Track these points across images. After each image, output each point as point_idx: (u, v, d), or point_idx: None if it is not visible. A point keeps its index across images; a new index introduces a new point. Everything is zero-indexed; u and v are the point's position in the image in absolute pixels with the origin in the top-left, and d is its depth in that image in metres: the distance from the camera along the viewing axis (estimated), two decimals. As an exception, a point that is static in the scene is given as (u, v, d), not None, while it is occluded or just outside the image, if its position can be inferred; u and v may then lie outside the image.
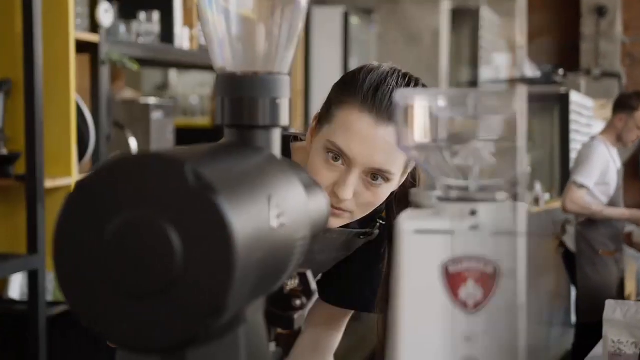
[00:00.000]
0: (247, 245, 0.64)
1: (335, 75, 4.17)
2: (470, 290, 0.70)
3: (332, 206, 1.27)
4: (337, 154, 1.26)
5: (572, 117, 7.01)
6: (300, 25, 0.87)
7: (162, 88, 5.66)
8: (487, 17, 7.42)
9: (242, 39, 0.84)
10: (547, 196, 6.52)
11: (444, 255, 0.71)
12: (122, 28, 3.00)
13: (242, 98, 0.82)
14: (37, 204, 2.33)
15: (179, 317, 0.63)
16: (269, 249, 0.69)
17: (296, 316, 0.89)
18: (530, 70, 5.61)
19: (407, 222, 0.71)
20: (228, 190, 0.64)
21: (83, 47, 2.65)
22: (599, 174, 4.38)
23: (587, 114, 7.69)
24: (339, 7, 5.85)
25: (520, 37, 5.50)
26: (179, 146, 0.73)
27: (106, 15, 2.66)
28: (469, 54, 7.25)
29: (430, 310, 0.70)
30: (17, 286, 2.59)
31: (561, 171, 7.18)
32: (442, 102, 0.73)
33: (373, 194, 1.27)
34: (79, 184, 0.65)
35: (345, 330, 1.58)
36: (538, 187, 6.42)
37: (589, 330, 4.30)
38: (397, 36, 5.54)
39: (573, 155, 7.16)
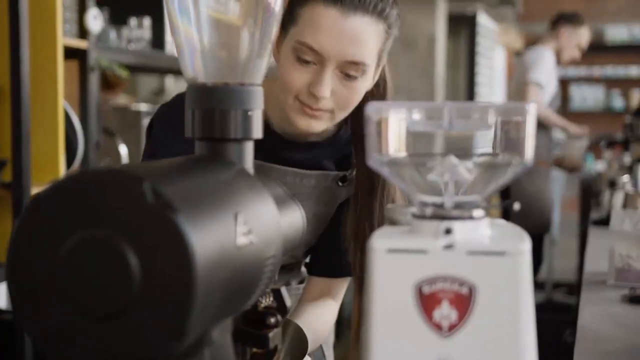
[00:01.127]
0: (209, 265, 0.61)
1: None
2: (444, 312, 0.67)
3: (311, 107, 1.25)
4: (307, 54, 1.23)
5: (478, 39, 7.10)
6: (274, 33, 0.84)
7: (158, 93, 5.63)
8: (484, 23, 7.42)
9: (213, 49, 0.81)
10: None
11: (417, 275, 0.68)
12: (113, 34, 2.97)
13: (213, 110, 0.80)
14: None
15: (137, 340, 0.60)
16: (235, 268, 0.67)
17: (271, 335, 0.86)
18: None
19: (379, 241, 0.69)
20: (189, 208, 0.61)
21: (72, 53, 2.62)
22: (548, 75, 4.49)
23: (491, 38, 7.79)
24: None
25: None
26: (149, 161, 0.71)
27: (95, 21, 2.64)
28: (465, 58, 7.26)
29: (403, 332, 0.68)
30: (3, 294, 2.57)
31: (467, 94, 7.25)
32: (416, 116, 0.71)
33: (350, 90, 1.25)
34: (36, 199, 0.62)
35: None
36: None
37: None
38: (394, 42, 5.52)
39: (478, 79, 7.28)
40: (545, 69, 4.43)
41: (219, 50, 0.81)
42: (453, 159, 0.71)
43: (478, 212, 0.70)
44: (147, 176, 0.61)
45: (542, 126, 4.50)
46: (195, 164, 0.74)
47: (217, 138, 0.80)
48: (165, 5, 0.82)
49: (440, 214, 0.70)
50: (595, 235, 2.80)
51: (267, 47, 0.84)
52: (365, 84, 1.28)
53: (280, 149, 1.37)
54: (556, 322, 4.73)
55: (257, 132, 0.82)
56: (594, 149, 9.82)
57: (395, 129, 0.71)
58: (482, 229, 0.70)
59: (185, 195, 0.62)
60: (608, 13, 9.98)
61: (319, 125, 1.28)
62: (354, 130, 1.37)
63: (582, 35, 4.54)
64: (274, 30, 0.83)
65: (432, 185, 0.71)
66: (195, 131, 0.81)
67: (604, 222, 2.92)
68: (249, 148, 0.82)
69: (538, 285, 5.55)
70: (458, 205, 0.71)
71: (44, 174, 2.47)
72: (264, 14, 0.83)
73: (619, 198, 2.99)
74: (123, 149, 2.94)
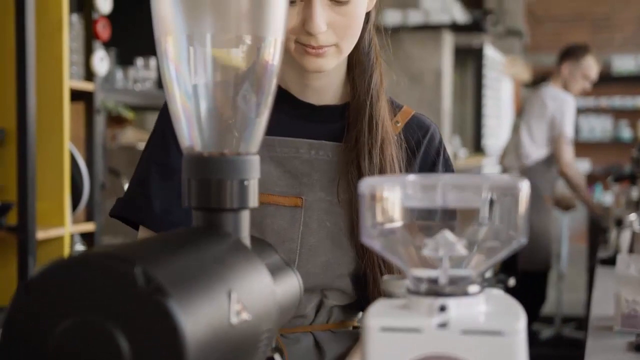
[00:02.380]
0: (201, 348, 0.61)
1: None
2: (439, 391, 0.67)
3: (313, 47, 1.19)
4: None
5: (485, 71, 7.11)
6: (270, 102, 0.84)
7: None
8: (491, 55, 7.44)
9: (210, 118, 0.81)
10: (464, 152, 6.53)
11: (412, 354, 0.67)
12: (119, 74, 2.99)
13: (209, 180, 0.80)
14: (28, 256, 2.31)
15: None
16: (229, 347, 0.66)
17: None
18: (460, 15, 5.62)
19: (373, 319, 0.68)
20: (181, 291, 0.61)
21: (78, 95, 2.64)
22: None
23: (498, 69, 7.81)
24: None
25: None
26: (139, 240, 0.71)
27: (102, 63, 2.65)
28: (472, 90, 7.28)
29: (398, 411, 0.67)
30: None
31: (474, 126, 7.24)
32: (410, 191, 0.71)
33: (346, 16, 1.19)
34: (27, 283, 0.62)
35: None
36: (457, 141, 6.43)
37: (529, 277, 4.32)
38: (400, 76, 5.53)
39: (485, 111, 7.29)
40: (572, 119, 4.48)
41: (216, 120, 0.81)
42: (448, 235, 0.70)
43: (473, 288, 0.70)
44: (138, 259, 0.61)
45: (549, 161, 4.48)
46: (190, 238, 0.74)
47: (213, 208, 0.80)
48: (161, 73, 0.82)
49: (434, 290, 0.69)
50: (602, 276, 2.78)
51: (263, 117, 0.84)
52: (362, 4, 1.21)
53: (295, 118, 1.30)
54: (565, 357, 4.69)
55: (254, 201, 0.82)
56: (602, 179, 9.81)
57: (388, 204, 0.71)
58: (477, 306, 0.69)
59: (178, 277, 0.62)
60: (615, 44, 10.01)
61: (328, 62, 1.21)
62: (349, 59, 1.30)
63: (587, 67, 4.54)
64: (270, 99, 0.83)
65: (426, 258, 0.71)
66: (192, 200, 0.81)
67: (612, 261, 2.90)
68: (245, 217, 0.81)
69: (547, 320, 5.51)
70: (453, 281, 0.70)
71: (49, 217, 2.48)
72: (260, 86, 0.83)
73: (626, 237, 2.97)
74: (129, 189, 2.94)
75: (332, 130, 1.29)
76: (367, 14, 1.27)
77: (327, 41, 1.19)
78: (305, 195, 1.24)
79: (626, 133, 9.96)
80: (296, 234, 1.23)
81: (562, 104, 4.52)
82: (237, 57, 0.81)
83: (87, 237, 2.73)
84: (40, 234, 2.42)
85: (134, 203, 1.27)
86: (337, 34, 1.19)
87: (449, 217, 0.72)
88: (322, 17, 1.17)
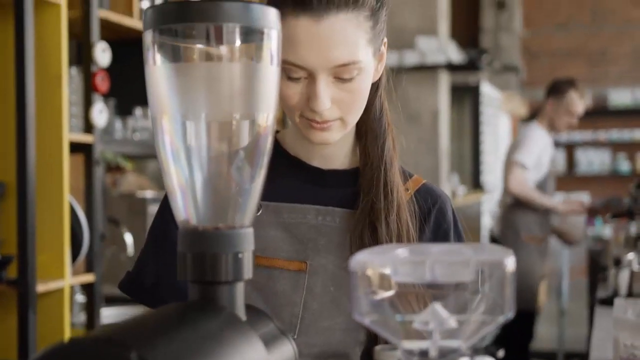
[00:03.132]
0: None
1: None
2: None
3: (317, 122, 1.18)
4: (294, 71, 1.15)
5: (482, 108, 7.14)
6: (262, 175, 0.86)
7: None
8: (487, 92, 7.50)
9: (204, 193, 0.83)
10: (463, 189, 6.54)
11: None
12: (119, 124, 3.02)
13: (204, 254, 0.82)
14: (28, 309, 2.32)
15: None
16: None
17: None
18: (456, 55, 5.65)
19: (365, 393, 0.70)
20: (177, 373, 0.63)
21: (77, 147, 2.66)
22: (536, 157, 4.46)
23: (495, 106, 7.84)
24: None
25: (442, 21, 5.53)
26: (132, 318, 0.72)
27: (100, 115, 2.68)
28: (470, 127, 7.32)
29: None
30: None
31: (472, 163, 7.24)
32: (399, 266, 0.72)
33: (351, 92, 1.17)
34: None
35: None
36: (455, 179, 6.44)
37: (516, 316, 4.28)
38: (397, 116, 5.58)
39: (483, 147, 7.30)
40: (532, 150, 4.45)
41: (210, 194, 0.83)
42: (438, 308, 0.72)
43: (463, 360, 0.71)
44: (134, 343, 0.62)
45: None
46: (185, 313, 0.76)
47: (208, 281, 0.81)
48: (156, 149, 0.84)
49: (425, 364, 0.71)
50: (601, 316, 2.78)
51: (258, 184, 0.86)
52: (367, 79, 1.20)
53: (304, 183, 1.30)
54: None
55: (248, 272, 0.83)
56: (602, 213, 9.82)
57: (378, 280, 0.73)
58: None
59: (173, 358, 0.64)
60: (611, 77, 10.09)
61: (333, 136, 1.21)
62: (358, 125, 1.29)
63: (570, 102, 4.52)
64: (262, 172, 0.85)
65: (417, 329, 0.73)
66: (187, 274, 0.82)
67: (610, 301, 2.90)
68: (239, 289, 0.83)
69: (549, 357, 5.49)
70: (443, 353, 0.72)
71: (49, 270, 2.49)
72: (253, 153, 0.85)
73: (624, 277, 2.97)
74: (128, 238, 2.96)
75: (340, 195, 1.29)
76: (375, 84, 1.27)
77: (331, 116, 1.18)
78: (310, 260, 1.24)
79: (624, 166, 10.00)
80: (299, 298, 1.22)
81: (527, 133, 4.55)
82: (231, 133, 0.83)
83: (87, 288, 2.74)
84: (40, 287, 2.43)
85: (134, 281, 1.30)
86: (341, 109, 1.19)
87: (439, 291, 0.73)
88: (326, 94, 1.16)
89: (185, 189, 0.83)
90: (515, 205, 4.51)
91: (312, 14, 1.12)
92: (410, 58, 5.32)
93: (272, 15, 0.82)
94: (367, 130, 1.29)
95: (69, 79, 2.60)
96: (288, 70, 1.16)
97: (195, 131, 0.82)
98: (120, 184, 3.55)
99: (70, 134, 2.58)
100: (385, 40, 1.24)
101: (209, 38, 0.81)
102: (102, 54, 2.70)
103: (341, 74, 1.16)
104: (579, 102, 4.59)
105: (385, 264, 0.73)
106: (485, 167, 7.46)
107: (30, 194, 2.40)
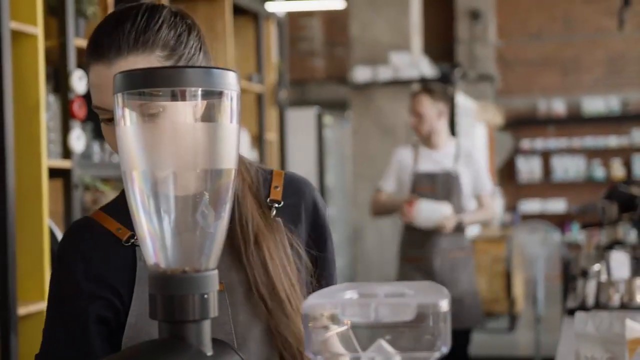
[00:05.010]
0: None
1: (312, 174, 4.26)
2: None
3: None
4: (105, 114, 1.22)
5: (457, 119, 7.23)
6: (226, 220, 0.94)
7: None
8: (462, 102, 7.61)
9: (172, 239, 0.91)
10: None
11: None
12: (96, 147, 3.09)
13: (172, 296, 0.89)
14: (10, 332, 2.38)
15: None
16: None
17: None
18: (429, 70, 5.68)
19: None
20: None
21: (56, 172, 2.73)
22: (395, 178, 4.20)
23: (471, 115, 7.95)
24: (314, 107, 6.05)
25: (415, 36, 5.59)
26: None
27: (78, 141, 2.75)
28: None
29: None
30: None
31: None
32: (348, 309, 0.81)
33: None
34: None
35: None
36: None
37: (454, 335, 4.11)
38: (372, 130, 5.68)
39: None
40: (391, 173, 4.26)
41: (177, 240, 0.91)
42: (383, 344, 0.80)
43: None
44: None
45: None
46: (154, 352, 0.84)
47: (176, 320, 0.89)
48: (127, 200, 0.92)
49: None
50: (568, 327, 2.87)
51: (222, 229, 0.94)
52: (176, 117, 1.19)
53: None
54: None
55: (214, 311, 0.91)
56: (578, 218, 9.97)
57: (329, 321, 0.81)
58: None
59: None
60: (585, 85, 10.26)
61: None
62: None
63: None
64: (225, 218, 0.93)
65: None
66: (157, 314, 0.90)
67: (578, 311, 2.98)
68: (206, 326, 0.91)
69: (526, 364, 5.60)
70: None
71: (30, 294, 2.55)
72: (217, 202, 0.93)
73: (591, 288, 3.06)
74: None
75: None
76: None
77: None
78: (223, 279, 1.26)
79: (599, 172, 10.16)
80: (227, 317, 1.26)
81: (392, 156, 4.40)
82: (196, 184, 0.91)
83: (67, 309, 2.80)
84: (22, 310, 2.49)
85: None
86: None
87: (384, 329, 0.82)
88: None
89: (154, 236, 0.91)
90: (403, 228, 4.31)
91: (105, 61, 1.19)
92: (384, 73, 5.42)
93: (231, 78, 0.90)
94: None
95: (46, 106, 2.67)
96: (99, 113, 1.24)
97: (163, 183, 0.90)
98: (101, 203, 3.61)
99: (48, 159, 2.64)
100: None
101: (173, 100, 0.89)
102: (79, 82, 2.77)
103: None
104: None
105: (335, 306, 0.81)
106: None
107: (10, 219, 2.46)
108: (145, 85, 0.88)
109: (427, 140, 4.14)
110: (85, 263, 1.27)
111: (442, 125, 4.11)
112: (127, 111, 0.89)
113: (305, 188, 1.38)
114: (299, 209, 1.35)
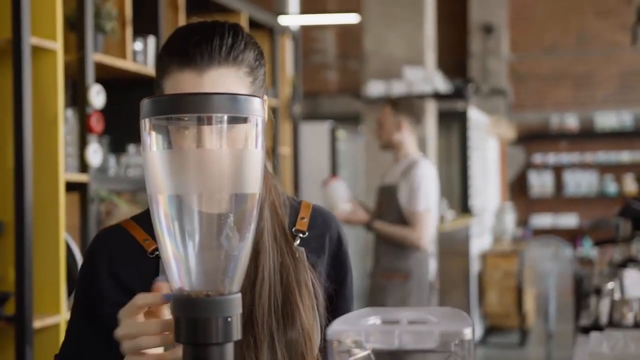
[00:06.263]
0: None
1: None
2: None
3: None
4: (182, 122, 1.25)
5: (469, 133, 7.23)
6: (249, 244, 0.95)
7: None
8: (475, 117, 7.62)
9: (196, 264, 0.92)
10: (451, 213, 6.62)
11: None
12: (112, 161, 3.11)
13: (196, 319, 0.90)
14: (25, 345, 2.39)
15: None
16: None
17: None
18: (442, 85, 5.69)
19: None
20: None
21: (73, 186, 2.75)
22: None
23: (483, 130, 7.95)
24: (327, 121, 6.05)
25: (429, 51, 5.59)
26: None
27: (95, 155, 2.77)
28: (458, 152, 7.43)
29: None
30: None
31: (461, 188, 7.33)
32: (371, 336, 0.81)
33: (233, 142, 1.14)
34: None
35: None
36: (444, 204, 6.53)
37: None
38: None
39: (472, 171, 7.38)
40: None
41: (202, 265, 0.92)
42: (405, 370, 0.81)
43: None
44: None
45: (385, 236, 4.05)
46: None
47: (200, 343, 0.90)
48: (152, 224, 0.93)
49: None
50: (582, 345, 2.86)
51: (246, 252, 0.95)
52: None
53: None
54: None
55: (237, 334, 0.92)
56: (590, 234, 9.94)
57: (352, 347, 0.81)
58: None
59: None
60: (597, 101, 10.23)
61: None
62: None
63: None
64: (248, 245, 0.94)
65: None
66: (181, 337, 0.91)
67: (592, 329, 2.97)
68: (229, 350, 0.92)
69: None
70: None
71: (46, 306, 2.57)
72: (241, 225, 0.94)
73: (605, 306, 3.05)
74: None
75: None
76: None
77: None
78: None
79: (611, 187, 10.13)
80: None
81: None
82: (220, 209, 0.92)
83: (82, 322, 2.82)
84: (37, 323, 2.50)
85: None
86: None
87: (408, 355, 0.82)
88: None
89: (179, 260, 0.92)
90: None
91: (196, 68, 1.20)
92: (398, 88, 5.43)
93: (256, 104, 0.91)
94: None
95: (64, 120, 2.69)
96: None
97: (188, 208, 0.91)
98: (114, 214, 3.63)
99: (66, 173, 2.66)
100: (266, 98, 1.32)
101: (199, 127, 0.91)
102: (97, 96, 2.79)
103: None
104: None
105: (358, 333, 0.82)
106: (473, 191, 7.56)
107: (28, 233, 2.48)
108: (172, 111, 0.89)
109: (391, 150, 4.15)
110: (111, 269, 1.29)
111: (405, 139, 4.07)
112: (153, 136, 0.91)
113: (331, 222, 1.39)
114: (324, 240, 1.36)
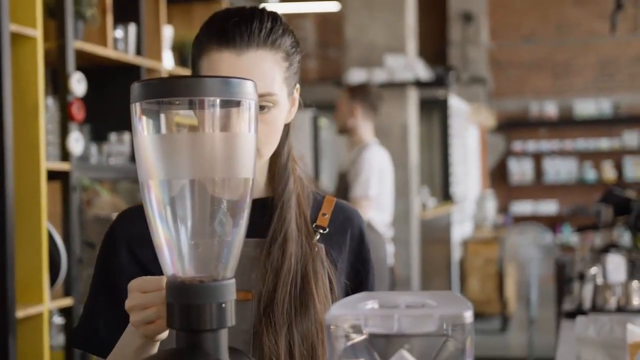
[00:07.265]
0: None
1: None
2: None
3: None
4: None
5: (450, 121, 7.28)
6: (243, 229, 0.94)
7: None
8: (455, 104, 7.63)
9: (189, 250, 0.91)
10: (433, 201, 6.66)
11: None
12: (94, 149, 3.08)
13: (190, 305, 0.89)
14: (8, 335, 2.37)
15: None
16: None
17: None
18: (423, 73, 5.70)
19: None
20: None
21: (55, 174, 2.72)
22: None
23: (464, 117, 8.00)
24: (308, 110, 6.04)
25: (410, 39, 5.61)
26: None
27: (77, 144, 2.74)
28: (439, 140, 7.45)
29: None
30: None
31: (442, 175, 7.38)
32: (370, 320, 0.80)
33: (267, 123, 1.23)
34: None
35: None
36: (426, 192, 6.57)
37: None
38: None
39: (452, 159, 7.43)
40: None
41: (195, 251, 0.91)
42: (405, 354, 0.80)
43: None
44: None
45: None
46: (175, 362, 0.83)
47: (194, 330, 0.89)
48: (145, 212, 0.91)
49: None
50: (566, 330, 2.87)
51: (239, 238, 0.93)
52: (281, 114, 1.27)
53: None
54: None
55: (231, 320, 0.91)
56: (570, 220, 10.01)
57: (350, 332, 0.81)
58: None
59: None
60: (576, 88, 10.28)
61: None
62: (270, 163, 1.33)
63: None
64: (242, 230, 0.93)
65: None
66: (175, 323, 0.90)
67: (575, 314, 2.98)
68: (223, 335, 0.91)
69: (519, 365, 5.61)
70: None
71: (28, 296, 2.54)
72: (234, 211, 0.93)
73: (588, 291, 3.06)
74: (105, 261, 3.00)
75: (254, 225, 1.28)
76: (287, 126, 1.33)
77: None
78: (254, 288, 1.26)
79: (591, 174, 10.19)
80: (248, 326, 1.25)
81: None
82: (213, 193, 0.91)
83: (65, 312, 2.79)
84: (20, 312, 2.48)
85: (90, 336, 1.30)
86: (257, 140, 1.27)
87: (406, 339, 0.81)
88: None
89: (172, 246, 0.91)
90: None
91: (235, 49, 1.21)
92: (379, 75, 5.42)
93: (249, 87, 0.90)
94: (276, 172, 1.34)
95: (45, 108, 2.66)
96: None
97: (180, 193, 0.90)
98: (95, 204, 3.60)
99: (47, 162, 2.63)
100: (298, 87, 1.33)
101: (191, 110, 0.89)
102: (78, 84, 2.76)
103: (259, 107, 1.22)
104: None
105: (357, 317, 0.81)
106: (454, 179, 7.58)
107: (9, 222, 2.45)
108: (163, 95, 0.88)
109: (346, 135, 4.16)
110: (130, 248, 1.29)
111: (359, 125, 4.08)
112: (144, 120, 0.89)
113: (354, 218, 1.38)
114: (345, 237, 1.35)
